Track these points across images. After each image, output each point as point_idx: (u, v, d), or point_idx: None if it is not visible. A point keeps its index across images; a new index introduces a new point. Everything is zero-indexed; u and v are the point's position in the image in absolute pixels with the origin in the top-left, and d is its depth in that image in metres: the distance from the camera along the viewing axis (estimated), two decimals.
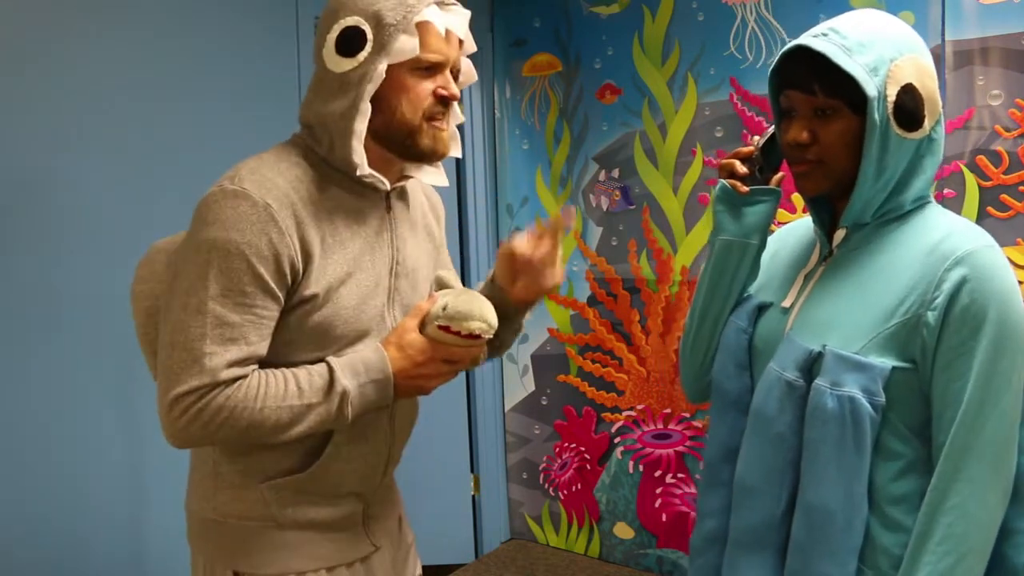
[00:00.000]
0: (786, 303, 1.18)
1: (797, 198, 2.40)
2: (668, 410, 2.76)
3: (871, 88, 1.04)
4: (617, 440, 2.87)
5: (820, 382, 1.05)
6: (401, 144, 1.17)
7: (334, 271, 1.14)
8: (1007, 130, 2.11)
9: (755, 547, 1.13)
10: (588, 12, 2.83)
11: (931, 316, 1.03)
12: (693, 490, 2.72)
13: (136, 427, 2.16)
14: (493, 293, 1.29)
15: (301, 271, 1.11)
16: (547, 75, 2.95)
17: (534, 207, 3.02)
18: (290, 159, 1.15)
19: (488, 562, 2.99)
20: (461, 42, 1.20)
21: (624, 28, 2.75)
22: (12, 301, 1.98)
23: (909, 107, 1.05)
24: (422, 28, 1.12)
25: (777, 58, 1.12)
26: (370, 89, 1.11)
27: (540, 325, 2.99)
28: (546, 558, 2.99)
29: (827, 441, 1.04)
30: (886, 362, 1.04)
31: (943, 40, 2.17)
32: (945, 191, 2.18)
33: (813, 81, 1.08)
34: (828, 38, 1.06)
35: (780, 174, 1.24)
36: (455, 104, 1.20)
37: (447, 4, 1.16)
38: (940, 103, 1.10)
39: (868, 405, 1.03)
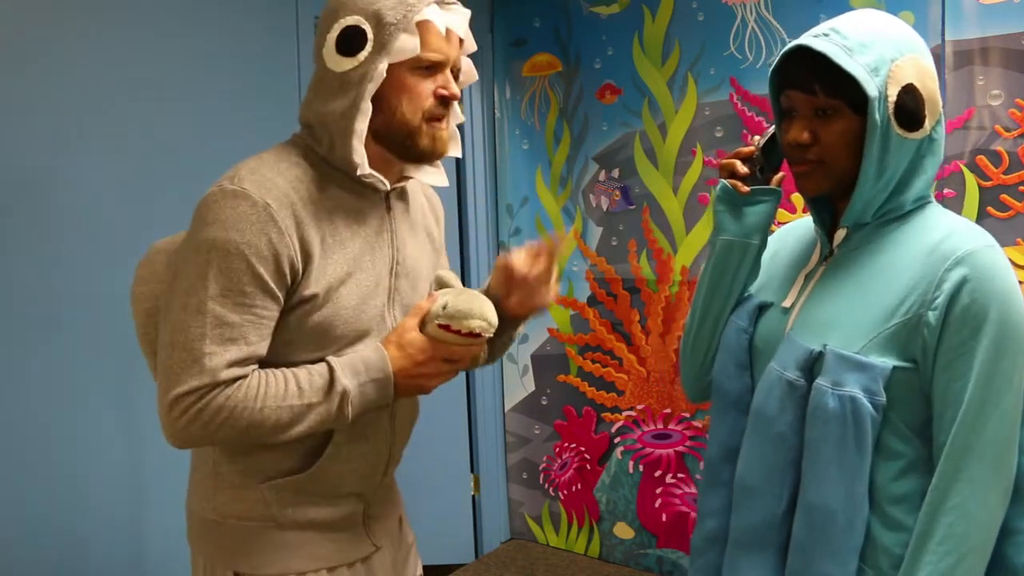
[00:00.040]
0: (787, 303, 1.18)
1: (797, 198, 2.40)
2: (668, 410, 2.76)
3: (872, 88, 1.04)
4: (617, 440, 2.87)
5: (821, 382, 1.05)
6: (401, 144, 1.17)
7: (334, 271, 1.14)
8: (1007, 130, 2.11)
9: (756, 547, 1.13)
10: (588, 12, 2.83)
11: (932, 316, 1.03)
12: (693, 490, 2.72)
13: (136, 427, 2.16)
14: None
15: (301, 271, 1.11)
16: (547, 75, 2.95)
17: (534, 207, 3.02)
18: (290, 159, 1.15)
19: (488, 562, 2.99)
20: (461, 41, 1.20)
21: (624, 28, 2.75)
22: (12, 301, 1.98)
23: (910, 107, 1.05)
24: (422, 27, 1.12)
25: (778, 58, 1.12)
26: (371, 88, 1.11)
27: (540, 325, 2.99)
28: (546, 558, 2.99)
29: (828, 441, 1.04)
30: (887, 362, 1.04)
31: (943, 40, 2.17)
32: (945, 191, 2.18)
33: (814, 81, 1.08)
34: (829, 38, 1.06)
35: (781, 174, 1.24)
36: (455, 104, 1.20)
37: (447, 3, 1.16)
38: (940, 103, 1.10)
39: (869, 405, 1.03)
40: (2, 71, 1.96)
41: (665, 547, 2.79)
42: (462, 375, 2.82)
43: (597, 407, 2.91)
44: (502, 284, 1.30)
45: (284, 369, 1.12)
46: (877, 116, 1.04)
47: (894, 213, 1.12)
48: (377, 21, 1.10)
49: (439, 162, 1.26)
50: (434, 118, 1.16)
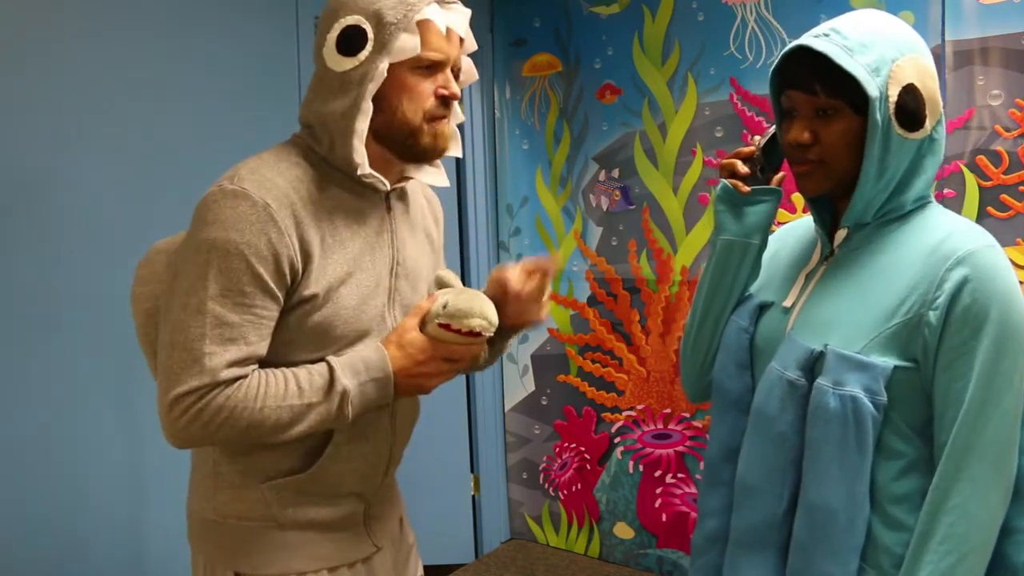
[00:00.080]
0: (787, 303, 1.18)
1: (797, 198, 2.40)
2: (668, 410, 2.76)
3: (873, 88, 1.04)
4: (617, 440, 2.87)
5: (822, 381, 1.05)
6: (402, 144, 1.17)
7: (334, 271, 1.14)
8: (1007, 130, 2.11)
9: (756, 546, 1.13)
10: (588, 12, 2.83)
11: (933, 316, 1.03)
12: (693, 490, 2.72)
13: (136, 427, 2.16)
14: None
15: (301, 271, 1.11)
16: (547, 75, 2.95)
17: (534, 207, 3.02)
18: (290, 159, 1.15)
19: (488, 562, 2.98)
20: (462, 41, 1.20)
21: (624, 28, 2.75)
22: (12, 301, 1.98)
23: (911, 107, 1.05)
24: (423, 26, 1.12)
25: (778, 58, 1.12)
26: (372, 88, 1.11)
27: (540, 325, 2.99)
28: (546, 558, 2.99)
29: (829, 440, 1.05)
30: (888, 361, 1.04)
31: (943, 40, 2.17)
32: (945, 191, 2.18)
33: (814, 81, 1.08)
34: (830, 38, 1.06)
35: (781, 174, 1.24)
36: (455, 103, 1.20)
37: (447, 2, 1.16)
38: (941, 103, 1.10)
39: (870, 404, 1.03)
40: (2, 71, 1.96)
41: (665, 547, 2.79)
42: (462, 375, 2.82)
43: (597, 407, 2.91)
44: (495, 297, 1.30)
45: (284, 369, 1.12)
46: (878, 116, 1.04)
47: (895, 213, 1.12)
48: (377, 21, 1.10)
49: (439, 162, 1.26)
50: (435, 118, 1.16)
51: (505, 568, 2.92)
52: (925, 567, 1.01)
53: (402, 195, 1.29)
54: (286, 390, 1.10)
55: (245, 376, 1.09)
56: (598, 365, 2.90)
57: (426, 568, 1.46)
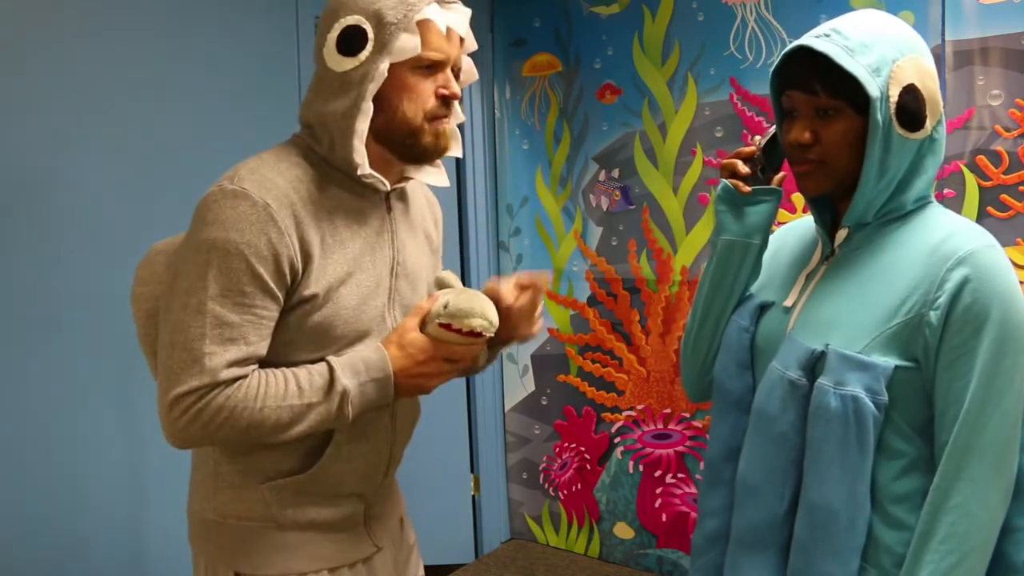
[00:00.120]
0: (788, 302, 1.18)
1: (797, 198, 2.40)
2: (668, 410, 2.76)
3: (874, 89, 1.04)
4: (617, 440, 2.87)
5: (823, 381, 1.05)
6: (403, 144, 1.17)
7: (334, 271, 1.14)
8: (1007, 130, 2.11)
9: (757, 546, 1.13)
10: (588, 12, 2.83)
11: (933, 316, 1.03)
12: (693, 490, 2.72)
13: (136, 427, 2.16)
14: None
15: (301, 271, 1.11)
16: (547, 75, 2.95)
17: (534, 207, 3.02)
18: (290, 159, 1.15)
19: (488, 562, 2.98)
20: (462, 40, 1.20)
21: (624, 28, 2.75)
22: (12, 301, 1.98)
23: (911, 107, 1.06)
24: (423, 26, 1.12)
25: (779, 58, 1.12)
26: (372, 88, 1.11)
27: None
28: (546, 558, 2.99)
29: (830, 440, 1.05)
30: (889, 361, 1.04)
31: (943, 40, 2.17)
32: (945, 191, 2.18)
33: (815, 81, 1.08)
34: (830, 39, 1.06)
35: (782, 174, 1.24)
36: (456, 103, 1.20)
37: (448, 2, 1.16)
38: (941, 103, 1.10)
39: (871, 404, 1.03)
40: (2, 71, 1.96)
41: (665, 547, 2.79)
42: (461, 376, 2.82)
43: (597, 407, 2.91)
44: None
45: (284, 369, 1.12)
46: (879, 116, 1.04)
47: (895, 213, 1.12)
48: (378, 21, 1.10)
49: (439, 162, 1.26)
50: (435, 117, 1.16)
51: (505, 568, 2.92)
52: (926, 566, 1.01)
53: (402, 195, 1.29)
54: (286, 390, 1.10)
55: (245, 376, 1.09)
56: (598, 365, 2.89)
57: (426, 568, 1.46)
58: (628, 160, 2.78)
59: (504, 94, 3.06)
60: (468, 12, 1.19)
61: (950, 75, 2.16)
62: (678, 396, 2.74)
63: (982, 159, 2.15)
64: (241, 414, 1.07)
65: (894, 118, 1.05)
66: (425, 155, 1.19)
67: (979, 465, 1.01)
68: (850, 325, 1.08)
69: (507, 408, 3.13)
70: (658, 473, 2.79)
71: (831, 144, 1.09)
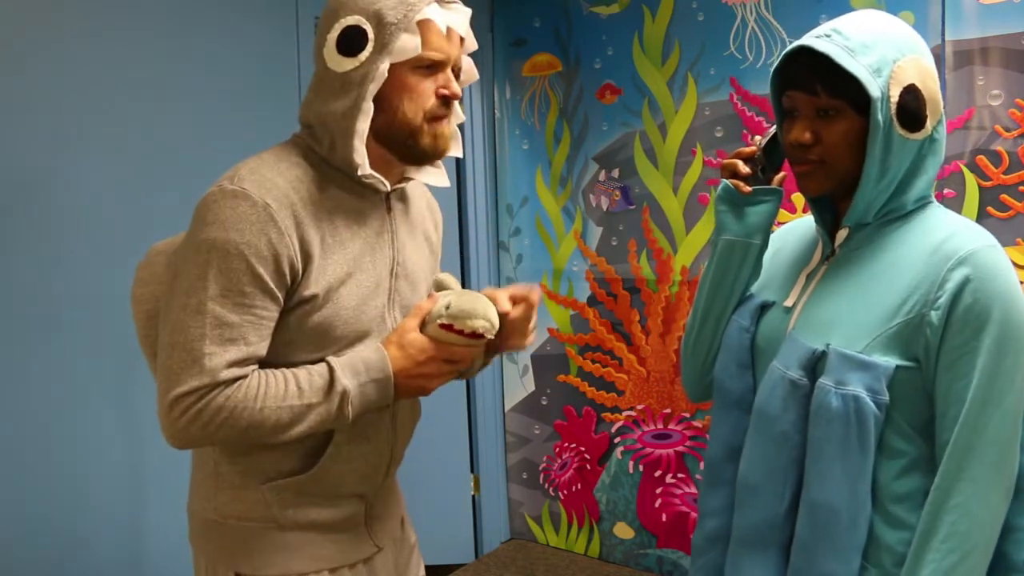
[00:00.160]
0: (788, 302, 1.18)
1: (797, 197, 2.40)
2: (668, 410, 2.76)
3: (875, 89, 1.04)
4: (617, 440, 2.87)
5: (824, 381, 1.06)
6: (402, 144, 1.17)
7: (334, 271, 1.14)
8: (1007, 130, 2.11)
9: (758, 545, 1.13)
10: (588, 12, 2.83)
11: (934, 315, 1.03)
12: (693, 490, 2.72)
13: (136, 427, 2.16)
14: None
15: (301, 271, 1.11)
16: (547, 75, 2.95)
17: (534, 207, 3.02)
18: (290, 159, 1.15)
19: (488, 562, 2.98)
20: (462, 40, 1.20)
21: (624, 28, 2.75)
22: (12, 301, 1.98)
23: (912, 108, 1.06)
24: (423, 26, 1.12)
25: (780, 59, 1.12)
26: (372, 89, 1.10)
27: (540, 325, 2.99)
28: (546, 558, 2.99)
29: (831, 440, 1.05)
30: (890, 361, 1.04)
31: (943, 40, 2.17)
32: (945, 191, 2.18)
33: (816, 82, 1.08)
34: (831, 39, 1.06)
35: (782, 174, 1.24)
36: (456, 103, 1.20)
37: (448, 2, 1.16)
38: (941, 103, 1.11)
39: (872, 404, 1.03)
40: (2, 71, 1.96)
41: (665, 547, 2.79)
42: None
43: (597, 407, 2.91)
44: None
45: (284, 369, 1.12)
46: (880, 117, 1.04)
47: (896, 213, 1.12)
48: (378, 21, 1.10)
49: (440, 162, 1.26)
50: (436, 118, 1.16)
51: (505, 568, 2.92)
52: (927, 566, 1.01)
53: (402, 196, 1.29)
54: (286, 390, 1.10)
55: (245, 376, 1.08)
56: (598, 365, 2.89)
57: (426, 568, 1.46)
58: (628, 160, 2.78)
59: (504, 94, 3.06)
60: (468, 12, 1.19)
61: (950, 75, 2.16)
62: (678, 396, 2.74)
63: (982, 159, 2.15)
64: (241, 414, 1.07)
65: (895, 118, 1.05)
66: (424, 156, 1.19)
67: (980, 465, 1.01)
68: (851, 325, 1.08)
69: (507, 408, 3.13)
70: (658, 473, 2.79)
71: (832, 144, 1.09)
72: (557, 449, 3.02)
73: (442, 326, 1.16)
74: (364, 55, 1.10)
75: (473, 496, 3.06)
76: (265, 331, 1.10)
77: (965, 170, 2.17)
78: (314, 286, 1.12)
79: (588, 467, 2.95)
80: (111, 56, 2.12)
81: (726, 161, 1.24)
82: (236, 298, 1.06)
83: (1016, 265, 2.04)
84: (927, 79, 1.08)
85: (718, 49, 2.56)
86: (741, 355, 1.20)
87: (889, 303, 1.07)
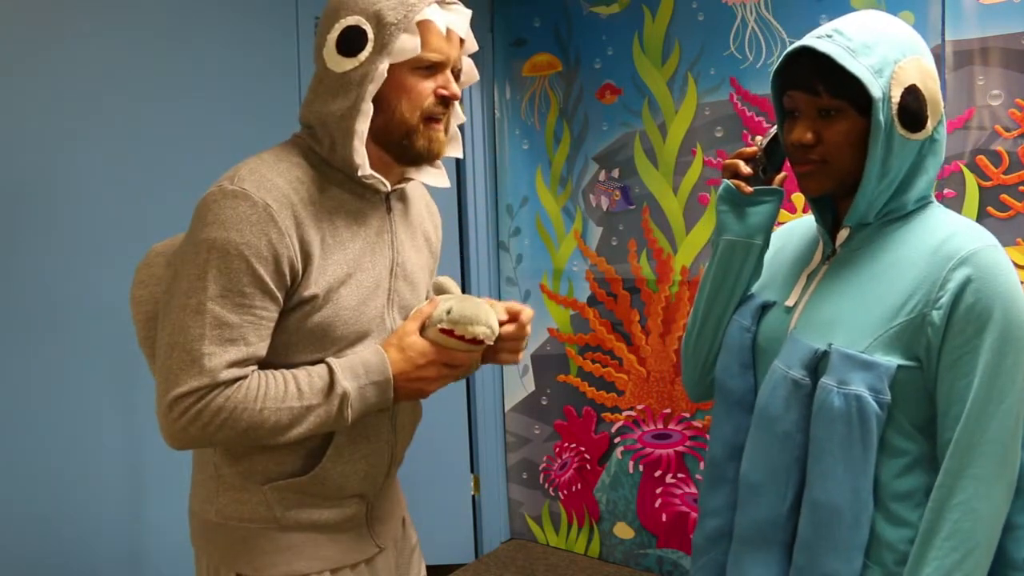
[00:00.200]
0: (789, 302, 1.18)
1: (797, 197, 2.40)
2: (668, 410, 2.76)
3: (876, 89, 1.04)
4: (617, 440, 2.87)
5: (827, 381, 1.06)
6: (398, 144, 1.17)
7: (334, 272, 1.14)
8: (1007, 130, 2.11)
9: (761, 544, 1.14)
10: (588, 12, 2.82)
11: (936, 315, 1.03)
12: (693, 490, 2.72)
13: (136, 427, 2.16)
14: None
15: (301, 272, 1.11)
16: (547, 75, 2.95)
17: (534, 207, 3.02)
18: (290, 159, 1.15)
19: (488, 562, 2.98)
20: (462, 41, 1.20)
21: (624, 28, 2.75)
22: (12, 301, 1.98)
23: (913, 108, 1.06)
24: (423, 27, 1.12)
25: (781, 59, 1.12)
26: (372, 89, 1.10)
27: (540, 325, 2.99)
28: (546, 558, 2.99)
29: (834, 439, 1.05)
30: (891, 360, 1.04)
31: (943, 40, 2.17)
32: (945, 191, 2.18)
33: (817, 82, 1.08)
34: (833, 39, 1.06)
35: (783, 174, 1.24)
36: (456, 104, 1.20)
37: (448, 3, 1.16)
38: (942, 104, 1.11)
39: (874, 403, 1.03)
40: (2, 71, 1.96)
41: (665, 547, 2.79)
42: None
43: (597, 407, 2.91)
44: None
45: (284, 371, 1.12)
46: (881, 117, 1.05)
47: (896, 213, 1.12)
48: (378, 21, 1.10)
49: (440, 163, 1.26)
50: (433, 117, 1.16)
51: (505, 568, 2.92)
52: (930, 563, 1.01)
53: (402, 196, 1.29)
54: (286, 392, 1.10)
55: (245, 377, 1.08)
56: (598, 365, 2.89)
57: (426, 568, 1.46)
58: (628, 160, 2.78)
59: (504, 94, 3.06)
60: (468, 13, 1.19)
61: (950, 75, 2.16)
62: (678, 396, 2.74)
63: (982, 159, 2.15)
64: (241, 415, 1.07)
65: (896, 119, 1.05)
66: (419, 157, 1.18)
67: (982, 463, 1.02)
68: (852, 325, 1.08)
69: (507, 408, 3.13)
70: (658, 473, 2.79)
71: (833, 144, 1.09)
72: (557, 449, 3.02)
73: (443, 331, 1.16)
74: (363, 55, 1.10)
75: (473, 496, 3.06)
76: (265, 331, 1.10)
77: (965, 170, 2.17)
78: (314, 286, 1.12)
79: (588, 467, 2.95)
80: (111, 56, 2.13)
81: (727, 161, 1.24)
82: (236, 298, 1.06)
83: (1016, 265, 2.04)
84: (928, 79, 1.08)
85: (718, 49, 2.56)
86: (742, 355, 1.20)
87: (890, 303, 1.07)
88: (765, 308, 1.22)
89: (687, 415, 2.73)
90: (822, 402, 1.06)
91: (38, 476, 2.01)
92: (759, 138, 1.24)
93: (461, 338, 1.15)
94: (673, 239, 2.71)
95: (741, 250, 1.21)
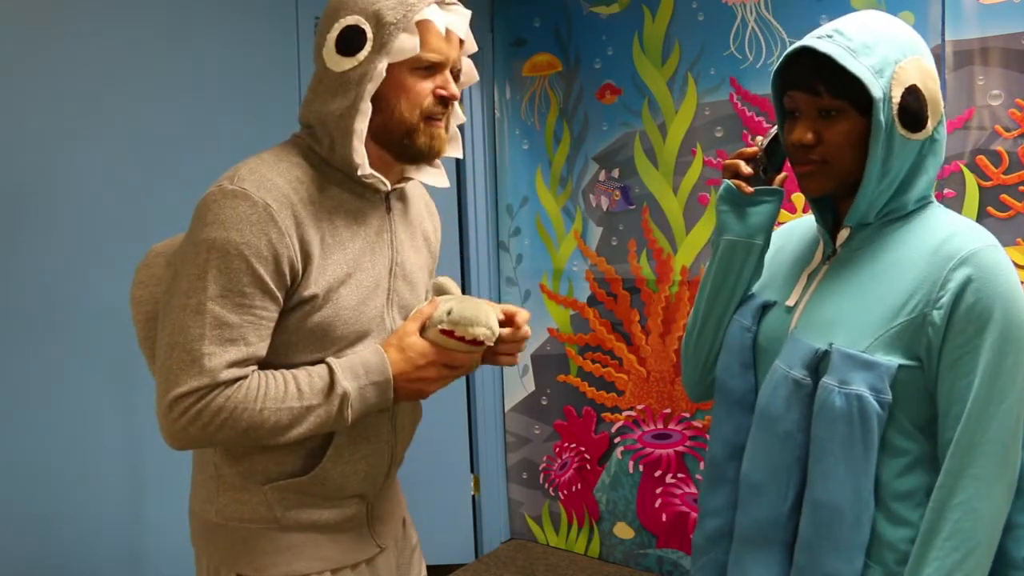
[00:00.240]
0: (790, 302, 1.18)
1: (797, 197, 2.40)
2: (668, 410, 2.76)
3: (877, 90, 1.04)
4: (617, 440, 2.87)
5: (828, 380, 1.06)
6: (399, 144, 1.17)
7: (334, 271, 1.14)
8: (1007, 130, 2.11)
9: (762, 543, 1.14)
10: (588, 12, 2.82)
11: (936, 315, 1.03)
12: (693, 490, 2.72)
13: (136, 427, 2.16)
14: None
15: (300, 272, 1.11)
16: (547, 75, 2.95)
17: (534, 207, 3.02)
18: (290, 159, 1.15)
19: (488, 562, 2.98)
20: (462, 42, 1.20)
21: (624, 28, 2.75)
22: (12, 301, 1.98)
23: (913, 108, 1.06)
24: (422, 27, 1.12)
25: (782, 59, 1.12)
26: (371, 88, 1.10)
27: (540, 325, 2.99)
28: (546, 558, 2.99)
29: (835, 439, 1.05)
30: (892, 360, 1.05)
31: (943, 40, 2.17)
32: (945, 191, 2.18)
33: (818, 82, 1.08)
34: (833, 40, 1.06)
35: (783, 174, 1.24)
36: (456, 104, 1.20)
37: (447, 3, 1.16)
38: (942, 104, 1.11)
39: (875, 403, 1.04)
40: (2, 71, 1.96)
41: (665, 547, 2.79)
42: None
43: (597, 407, 2.91)
44: None
45: (284, 371, 1.12)
46: (882, 117, 1.05)
47: (897, 213, 1.12)
48: (377, 21, 1.10)
49: (439, 162, 1.26)
50: (432, 117, 1.16)
51: (505, 568, 2.92)
52: (931, 563, 1.01)
53: (401, 196, 1.29)
54: (286, 392, 1.10)
55: (245, 377, 1.08)
56: (598, 365, 2.89)
57: (427, 568, 1.46)
58: (628, 160, 2.78)
59: (504, 94, 3.06)
60: (468, 14, 1.19)
61: (950, 75, 2.16)
62: (678, 396, 2.74)
63: (982, 159, 2.15)
64: (241, 415, 1.07)
65: (896, 119, 1.05)
66: (419, 156, 1.18)
67: (983, 462, 1.02)
68: (853, 324, 1.08)
69: (507, 408, 3.13)
70: (658, 473, 2.79)
71: (833, 144, 1.09)
72: (557, 449, 3.02)
73: (443, 331, 1.16)
74: (363, 55, 1.10)
75: (473, 496, 3.06)
76: (265, 331, 1.10)
77: (965, 170, 2.17)
78: (314, 286, 1.12)
79: (588, 467, 2.95)
80: (111, 56, 2.13)
81: (728, 161, 1.24)
82: (236, 298, 1.06)
83: (1016, 265, 2.04)
84: (928, 80, 1.08)
85: (718, 49, 2.56)
86: (743, 355, 1.21)
87: (891, 303, 1.07)
88: (766, 308, 1.22)
89: (687, 415, 2.73)
90: (823, 402, 1.06)
91: (38, 476, 2.01)
92: (759, 138, 1.24)
93: (461, 339, 1.15)
94: (673, 239, 2.71)
95: (742, 250, 1.21)
